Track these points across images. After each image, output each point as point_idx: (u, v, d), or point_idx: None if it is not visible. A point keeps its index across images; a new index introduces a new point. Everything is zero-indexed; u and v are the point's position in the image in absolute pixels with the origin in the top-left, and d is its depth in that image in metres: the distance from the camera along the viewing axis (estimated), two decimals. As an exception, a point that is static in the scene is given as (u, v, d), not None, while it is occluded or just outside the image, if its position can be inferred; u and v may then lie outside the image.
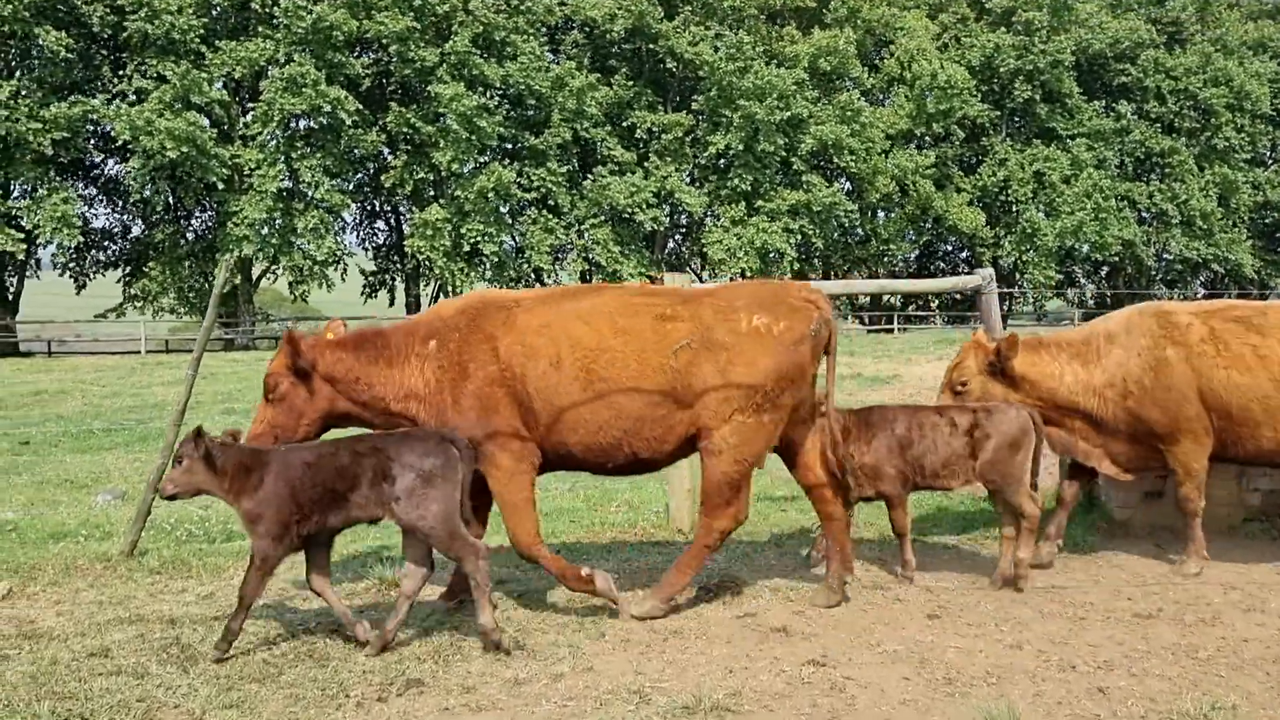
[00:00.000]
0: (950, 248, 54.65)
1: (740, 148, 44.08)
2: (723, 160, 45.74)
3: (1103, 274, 54.60)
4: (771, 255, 44.49)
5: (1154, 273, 54.36)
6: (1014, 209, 49.80)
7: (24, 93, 36.40)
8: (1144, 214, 52.26)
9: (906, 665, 5.13)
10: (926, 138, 50.10)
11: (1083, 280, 55.51)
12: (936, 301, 53.47)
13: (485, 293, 6.20)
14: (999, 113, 49.98)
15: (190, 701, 4.76)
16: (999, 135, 50.45)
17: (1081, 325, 7.31)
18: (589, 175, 44.39)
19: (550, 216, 43.43)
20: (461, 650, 5.34)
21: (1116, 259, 51.52)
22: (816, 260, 49.64)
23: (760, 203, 44.93)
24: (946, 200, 48.41)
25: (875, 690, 4.83)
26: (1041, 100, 49.41)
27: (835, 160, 46.07)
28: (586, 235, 44.37)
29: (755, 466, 5.85)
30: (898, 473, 6.43)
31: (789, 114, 44.09)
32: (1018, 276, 49.40)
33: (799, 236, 45.30)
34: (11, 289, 41.70)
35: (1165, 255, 53.98)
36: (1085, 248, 49.78)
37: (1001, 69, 48.61)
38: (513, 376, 5.69)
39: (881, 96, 50.99)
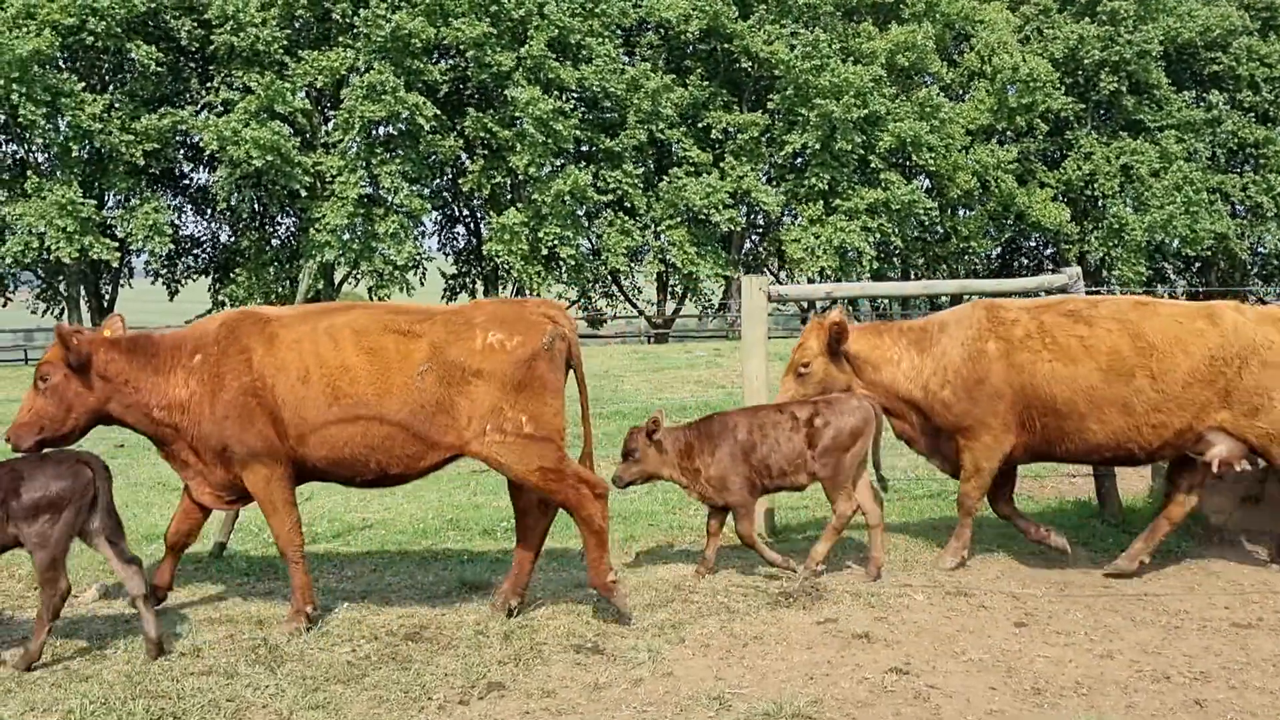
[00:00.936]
0: (1034, 245, 53.49)
1: (817, 146, 43.66)
2: (799, 159, 45.35)
3: (1194, 270, 52.99)
4: (850, 254, 44.01)
5: (1249, 267, 52.62)
6: (1100, 204, 48.57)
7: (117, 106, 37.53)
8: (1237, 207, 50.56)
9: (993, 674, 5.02)
10: (1008, 132, 49.08)
11: (1173, 276, 53.91)
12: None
13: (247, 309, 6.32)
14: (1084, 105, 48.77)
15: (278, 702, 4.85)
16: (1084, 129, 49.24)
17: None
18: (665, 176, 44.36)
19: (626, 218, 43.49)
20: (542, 654, 5.36)
21: (1209, 254, 49.94)
22: (895, 259, 48.98)
23: (838, 201, 44.46)
24: (1029, 196, 47.40)
25: (960, 700, 4.74)
26: (1128, 92, 48.10)
27: (914, 157, 45.36)
28: (663, 237, 44.33)
29: (554, 475, 5.79)
30: (744, 480, 6.33)
31: (866, 111, 43.54)
32: (1105, 274, 48.18)
33: (877, 235, 44.73)
34: (107, 296, 43.04)
35: (1260, 249, 52.20)
36: (1175, 243, 48.32)
37: (1086, 60, 47.44)
38: (264, 388, 5.82)
39: (961, 91, 50.08)
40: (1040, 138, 48.73)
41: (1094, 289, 46.65)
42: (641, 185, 43.44)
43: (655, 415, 6.51)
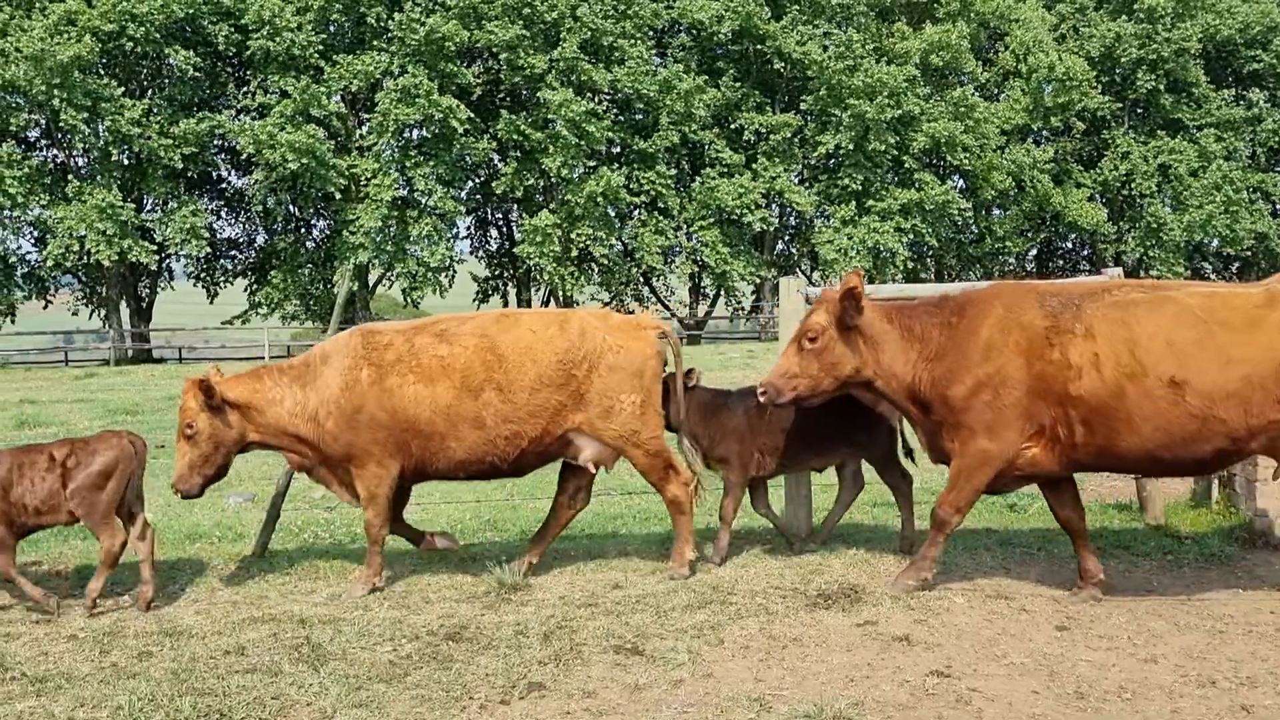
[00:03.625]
0: (1070, 245, 53.05)
1: (850, 147, 43.52)
2: (832, 160, 45.21)
3: (1234, 269, 52.33)
4: (883, 255, 43.84)
5: (1290, 266, 51.95)
6: (1138, 204, 48.09)
7: (155, 111, 38.02)
8: (1279, 206, 49.95)
9: (1035, 678, 4.99)
10: (1044, 132, 48.71)
11: (1213, 276, 53.26)
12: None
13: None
14: (1120, 104, 48.31)
15: (321, 700, 4.89)
16: (1121, 128, 48.76)
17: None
18: (697, 177, 44.36)
19: (659, 219, 43.54)
20: (581, 655, 5.38)
21: (1249, 254, 49.34)
22: (929, 259, 48.72)
23: (871, 202, 44.29)
24: (1065, 196, 47.01)
25: (1002, 703, 4.71)
26: (1166, 90, 47.59)
27: (948, 157, 45.12)
28: (695, 237, 44.35)
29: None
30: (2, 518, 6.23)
31: (900, 112, 43.36)
32: (1143, 274, 47.65)
33: (911, 236, 44.53)
34: (145, 298, 43.57)
35: (1302, 248, 51.52)
36: (1215, 242, 47.81)
37: (1123, 59, 47.00)
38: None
39: (996, 91, 49.76)
40: (1076, 137, 48.33)
41: (1131, 289, 46.10)
42: (674, 186, 43.50)
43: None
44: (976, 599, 6.13)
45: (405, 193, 40.75)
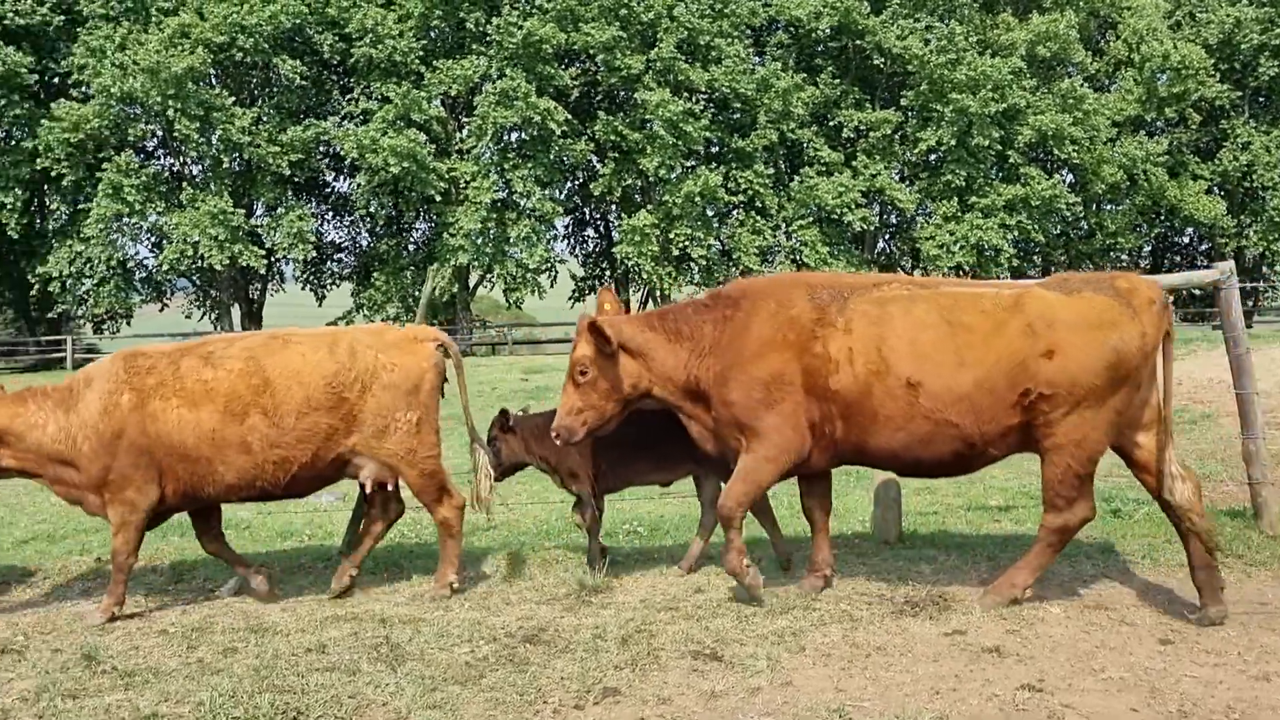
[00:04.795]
0: (1187, 240, 51.03)
1: (953, 142, 42.55)
2: (934, 156, 44.28)
3: (1364, 264, 49.70)
4: (987, 252, 42.80)
5: None
6: (1260, 196, 45.99)
7: (264, 119, 39.12)
8: None
9: (1134, 695, 4.72)
10: (1158, 123, 46.93)
11: (1341, 271, 50.74)
12: (1171, 299, 49.90)
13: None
14: (1240, 93, 46.25)
15: (397, 700, 4.89)
16: (1240, 117, 46.68)
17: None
18: (796, 176, 43.90)
19: (758, 218, 43.20)
20: (659, 660, 5.28)
21: (1380, 247, 46.83)
22: (1036, 256, 47.38)
23: (974, 198, 43.25)
24: (1181, 189, 45.18)
25: (1099, 721, 4.47)
26: (1290, 77, 45.47)
27: (1056, 151, 43.77)
28: (794, 237, 43.90)
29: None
30: None
31: (1005, 105, 42.23)
32: (1266, 269, 45.61)
33: (1016, 232, 43.37)
34: (256, 300, 44.89)
35: None
36: (1343, 236, 45.49)
37: (1243, 45, 44.98)
38: None
39: (1107, 81, 48.14)
40: (1193, 128, 46.46)
41: (1252, 284, 44.29)
42: (772, 185, 43.13)
43: None
44: (1074, 609, 5.85)
45: (504, 195, 41.17)
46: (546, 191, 41.06)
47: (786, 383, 5.84)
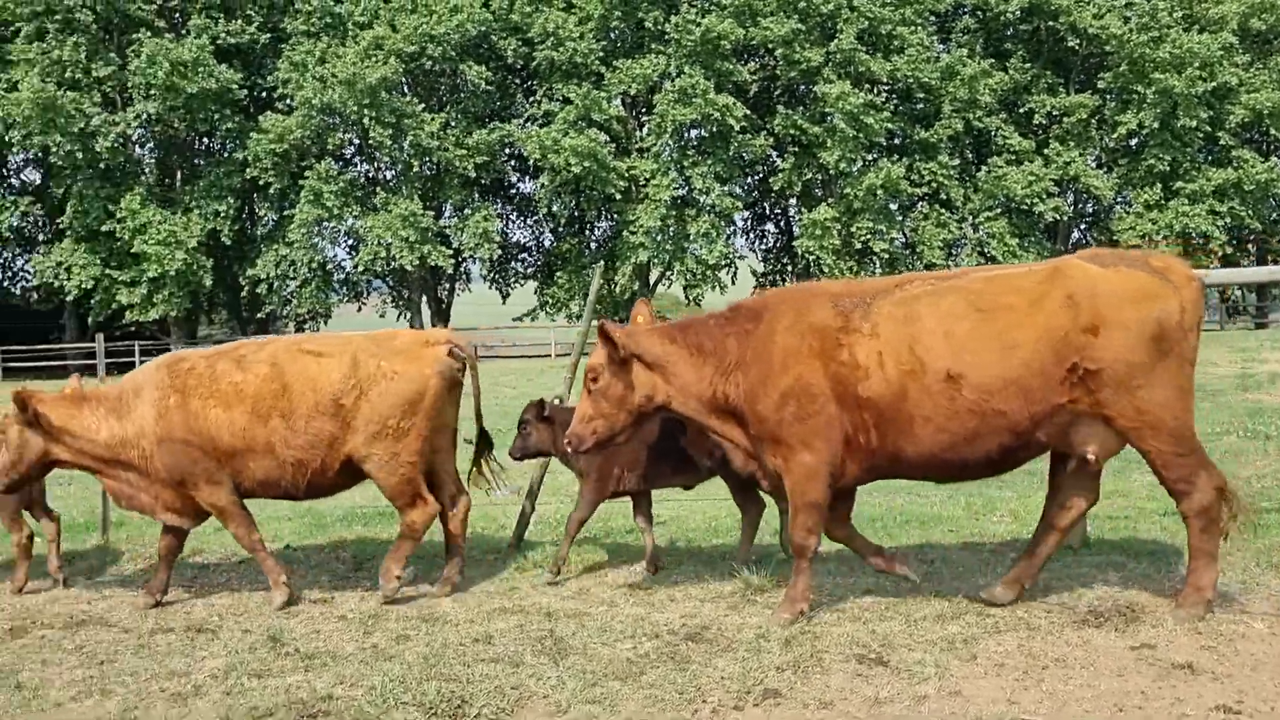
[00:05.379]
0: None
1: (1155, 125, 40.24)
2: (1134, 140, 41.98)
3: None
4: (1195, 240, 40.28)
5: None
6: None
7: (451, 124, 40.56)
8: None
9: (1348, 722, 4.30)
10: (1389, 99, 43.13)
11: None
12: None
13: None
14: None
15: (558, 693, 4.93)
16: None
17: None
18: (983, 166, 42.43)
19: (942, 211, 42.02)
20: (822, 663, 5.15)
21: None
22: (1250, 245, 44.25)
23: (1179, 184, 40.80)
24: None
25: (1304, 749, 4.08)
26: None
27: (1273, 131, 40.85)
28: (981, 229, 42.45)
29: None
30: None
31: (1214, 84, 39.66)
32: None
33: (1228, 219, 40.66)
34: (445, 300, 46.56)
35: None
36: None
37: None
38: None
39: (1330, 55, 44.54)
40: None
41: None
42: (958, 176, 41.87)
43: None
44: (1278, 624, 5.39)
45: (683, 192, 41.37)
46: (726, 187, 41.04)
47: (815, 394, 5.65)
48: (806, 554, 5.80)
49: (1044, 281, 5.51)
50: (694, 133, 41.39)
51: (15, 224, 41.81)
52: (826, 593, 6.31)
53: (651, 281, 44.91)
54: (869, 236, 40.69)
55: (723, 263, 42.14)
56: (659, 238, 40.49)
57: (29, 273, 45.73)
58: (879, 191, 40.02)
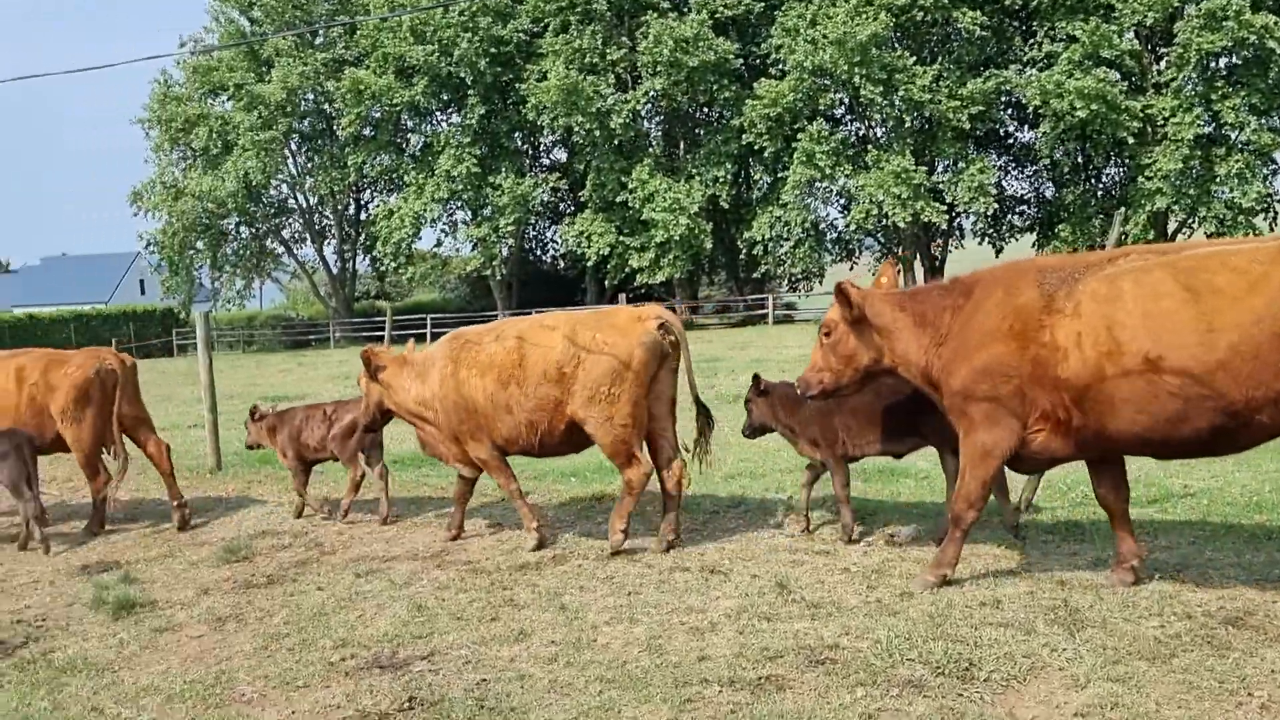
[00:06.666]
0: None
1: None
2: None
3: None
4: None
5: None
6: None
7: (944, 75, 39.35)
8: None
9: None
10: None
11: None
12: None
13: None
14: None
15: (1075, 666, 4.66)
16: None
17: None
18: None
19: None
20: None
21: None
22: None
23: None
24: None
25: None
26: None
27: None
28: None
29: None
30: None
31: None
32: None
33: None
34: (938, 256, 45.63)
35: None
36: None
37: None
38: None
39: None
40: None
41: None
42: None
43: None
44: None
45: (1209, 129, 36.98)
46: (1264, 121, 36.05)
47: (1009, 374, 5.60)
48: (962, 524, 5.90)
49: (1267, 262, 5.07)
50: (1223, 61, 36.76)
51: (545, 199, 47.23)
52: None
53: (1169, 230, 40.78)
54: None
55: (1259, 206, 37.20)
56: (1179, 182, 36.59)
57: (556, 242, 51.63)
58: None
